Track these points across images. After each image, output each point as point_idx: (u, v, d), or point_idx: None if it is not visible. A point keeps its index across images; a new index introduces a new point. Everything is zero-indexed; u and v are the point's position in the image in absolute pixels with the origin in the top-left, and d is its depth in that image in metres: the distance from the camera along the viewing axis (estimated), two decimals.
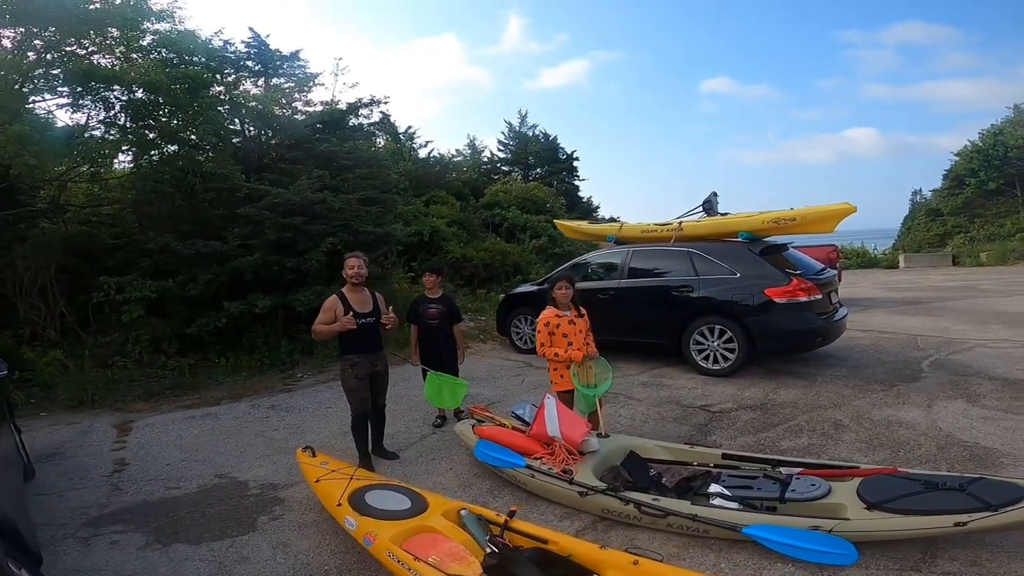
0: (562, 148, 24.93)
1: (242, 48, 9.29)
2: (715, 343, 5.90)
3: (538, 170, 24.43)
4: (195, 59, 7.95)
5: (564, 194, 23.04)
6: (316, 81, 9.48)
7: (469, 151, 22.88)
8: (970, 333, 7.36)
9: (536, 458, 3.50)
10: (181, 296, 7.46)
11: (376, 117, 11.13)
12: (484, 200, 16.72)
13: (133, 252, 7.95)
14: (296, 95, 9.46)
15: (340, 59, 9.98)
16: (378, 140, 15.60)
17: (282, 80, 9.38)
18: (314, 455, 3.66)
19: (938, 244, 22.35)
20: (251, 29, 9.32)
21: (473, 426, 4.06)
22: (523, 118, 25.42)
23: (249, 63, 9.23)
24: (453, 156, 21.37)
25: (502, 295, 8.53)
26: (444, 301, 4.99)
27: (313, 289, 7.29)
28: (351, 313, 3.90)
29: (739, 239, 6.16)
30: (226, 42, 9.05)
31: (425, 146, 18.91)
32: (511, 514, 2.74)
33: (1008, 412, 4.31)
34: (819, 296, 5.59)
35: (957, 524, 2.27)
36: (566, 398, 4.02)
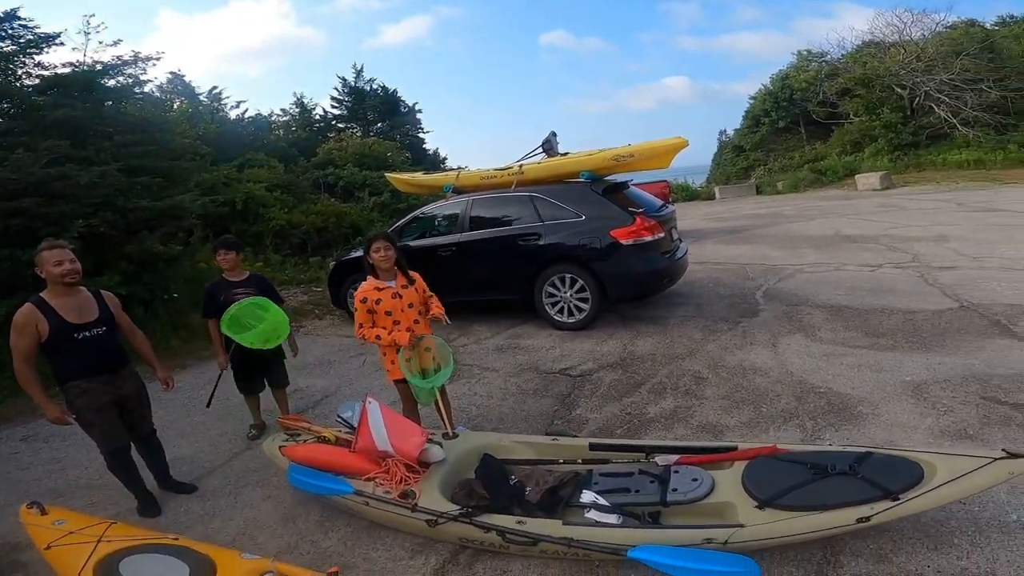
0: (403, 101, 23.48)
1: None
2: (568, 294, 5.53)
3: (379, 125, 22.74)
4: None
5: (409, 148, 21.70)
6: (52, 43, 7.18)
7: (297, 110, 20.31)
8: (788, 259, 7.97)
9: (368, 479, 2.72)
10: None
11: (161, 78, 8.98)
12: (316, 160, 15.05)
13: None
14: (21, 59, 7.11)
15: (91, 16, 7.71)
16: (173, 103, 13.10)
17: (7, 44, 6.95)
18: (44, 512, 2.54)
19: (743, 176, 25.14)
20: None
21: (280, 446, 3.13)
22: (359, 72, 23.42)
23: None
24: (277, 116, 18.86)
25: (332, 263, 7.42)
26: (253, 282, 3.86)
27: None
28: (63, 330, 2.73)
29: (581, 179, 5.76)
30: None
31: (237, 107, 16.33)
32: None
33: (844, 346, 4.46)
34: (662, 234, 5.43)
35: (860, 520, 1.99)
36: (404, 388, 3.27)
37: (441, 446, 2.88)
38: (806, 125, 24.15)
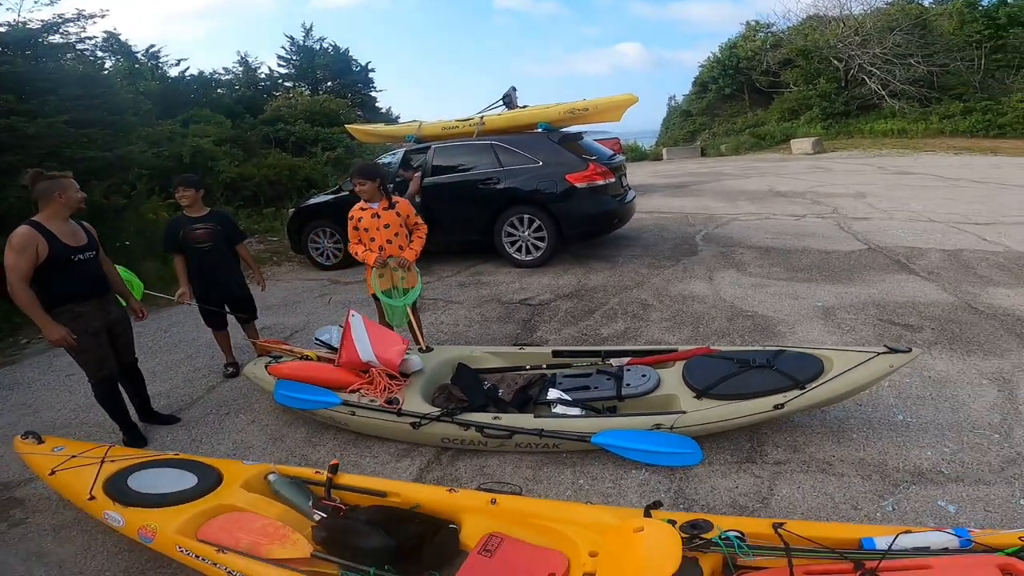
0: (355, 60, 22.72)
1: None
2: (526, 233, 5.90)
3: (329, 83, 22.01)
4: None
5: (361, 106, 21.15)
6: None
7: (241, 68, 19.32)
8: (726, 209, 8.61)
9: (353, 391, 3.00)
10: None
11: (98, 36, 8.49)
12: (264, 116, 14.60)
13: None
14: None
15: None
16: (105, 61, 12.36)
17: None
18: (40, 441, 2.67)
19: (690, 139, 25.99)
20: None
21: (267, 365, 3.37)
22: (307, 32, 22.43)
23: None
24: (219, 75, 17.97)
25: (291, 210, 7.47)
26: (215, 217, 3.88)
27: None
28: (62, 252, 2.84)
29: (538, 129, 6.08)
30: None
31: (177, 64, 15.46)
32: (333, 468, 2.26)
33: (768, 279, 5.04)
34: (613, 180, 5.84)
35: (776, 407, 2.39)
36: (379, 305, 3.58)
37: (420, 358, 3.21)
38: (750, 93, 25.06)
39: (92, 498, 2.24)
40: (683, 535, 1.55)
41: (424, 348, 3.41)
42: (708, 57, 26.50)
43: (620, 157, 6.84)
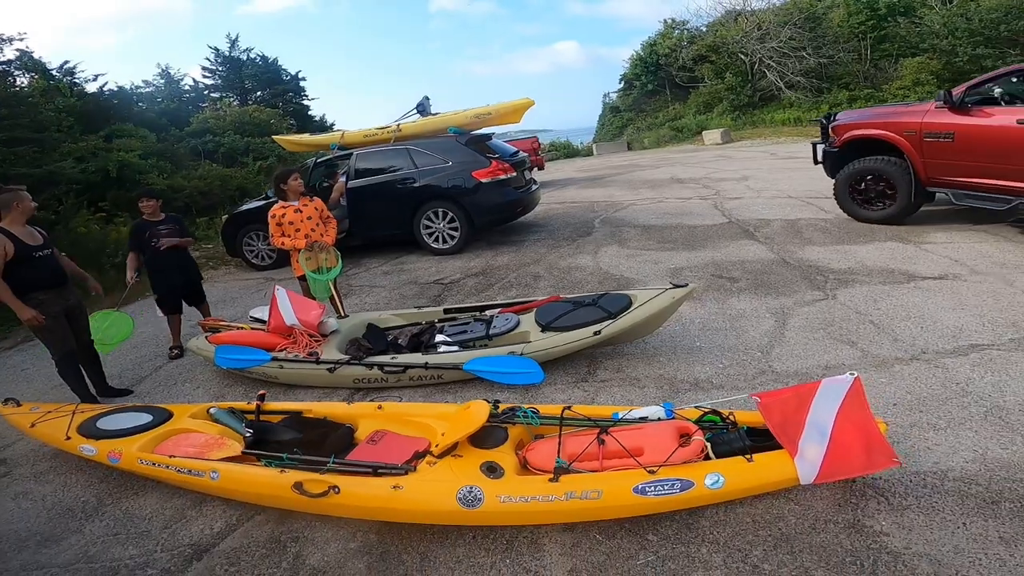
0: (285, 70, 22.84)
1: None
2: (441, 225, 6.70)
3: (258, 93, 22.03)
4: None
5: (293, 115, 21.32)
6: None
7: (163, 81, 19.12)
8: (628, 196, 9.69)
9: (281, 350, 3.72)
10: None
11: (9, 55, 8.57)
12: (191, 129, 14.71)
13: None
14: None
15: None
16: (18, 79, 12.22)
17: None
18: (19, 404, 3.29)
19: (619, 135, 27.50)
20: None
21: (206, 336, 4.03)
22: (233, 42, 22.32)
23: None
24: (138, 87, 17.79)
25: (225, 216, 7.95)
26: (173, 220, 4.65)
27: None
28: (25, 250, 3.42)
29: (449, 133, 6.86)
30: None
31: (94, 80, 15.28)
32: (261, 397, 2.97)
33: (642, 250, 6.03)
34: (515, 174, 6.71)
35: (595, 333, 3.22)
36: (305, 285, 4.28)
37: (338, 323, 3.95)
38: (671, 88, 26.79)
39: (68, 438, 2.88)
40: (495, 411, 2.38)
41: (342, 315, 4.16)
42: (631, 55, 28.09)
43: (523, 154, 7.69)
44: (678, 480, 1.90)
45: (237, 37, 22.56)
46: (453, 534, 2.17)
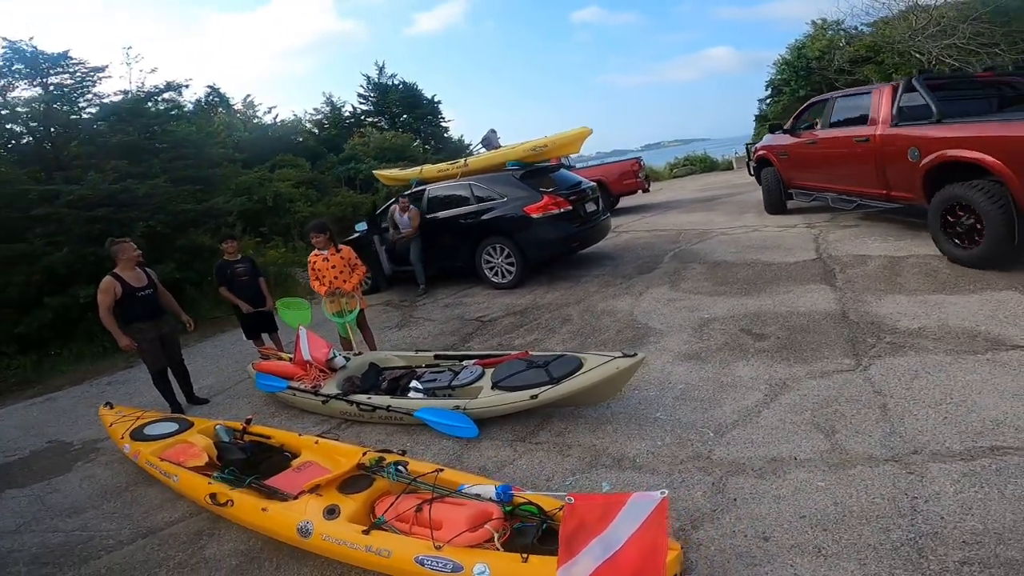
0: (423, 94, 25.10)
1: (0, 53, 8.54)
2: (499, 259, 6.98)
3: (404, 117, 24.54)
4: None
5: (432, 137, 23.34)
6: (102, 75, 9.16)
7: (328, 108, 22.40)
8: (724, 223, 8.95)
9: (297, 380, 4.35)
10: (0, 300, 7.47)
11: (200, 93, 10.89)
12: (342, 155, 16.84)
13: None
14: (75, 94, 9.11)
15: (130, 48, 9.59)
16: (211, 114, 15.34)
17: (65, 78, 8.98)
18: (111, 407, 4.36)
19: None
20: (4, 39, 8.53)
21: (253, 364, 4.84)
22: (381, 69, 25.33)
23: (20, 66, 8.62)
24: (310, 115, 21.03)
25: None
26: (247, 261, 5.68)
27: None
28: (130, 291, 4.52)
29: (508, 167, 7.12)
30: None
31: (269, 112, 18.51)
32: (248, 422, 3.60)
33: (690, 294, 5.60)
34: (569, 208, 6.71)
35: (532, 397, 3.22)
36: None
37: (348, 359, 4.47)
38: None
39: (122, 438, 3.78)
40: (370, 461, 2.63)
41: (356, 353, 4.67)
42: (777, 59, 25.74)
43: (588, 184, 7.62)
44: (451, 561, 2.01)
45: (383, 65, 25.24)
46: (310, 557, 2.55)
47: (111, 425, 4.06)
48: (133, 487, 3.63)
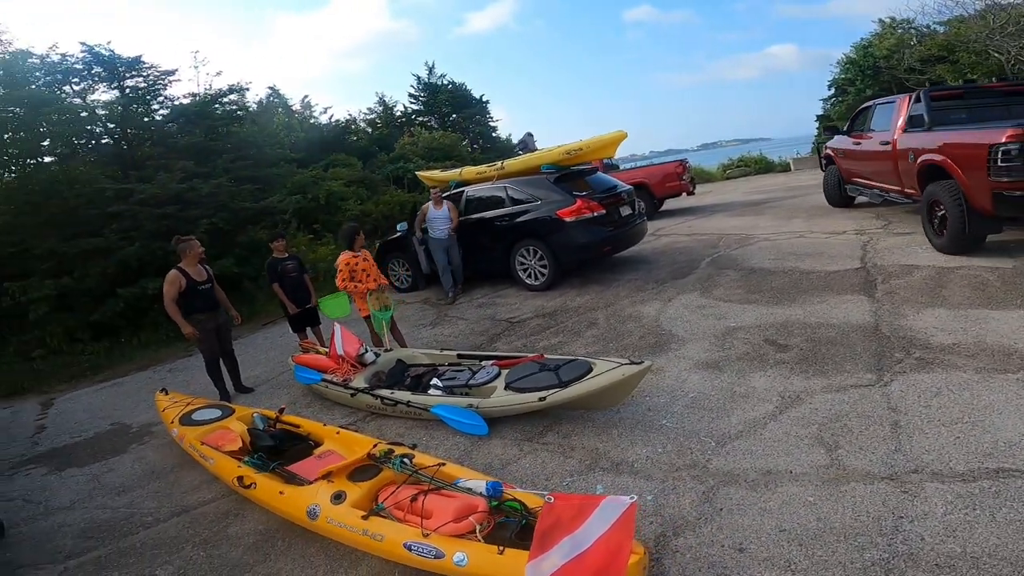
0: (471, 94, 25.50)
1: (80, 57, 9.35)
2: (532, 261, 7.09)
3: (453, 116, 24.99)
4: (35, 75, 8.36)
5: (480, 136, 23.65)
6: (172, 78, 9.94)
7: (380, 108, 23.18)
8: (769, 228, 8.69)
9: (331, 373, 4.64)
10: (79, 290, 8.26)
11: (258, 96, 11.59)
12: (393, 155, 17.38)
13: (29, 258, 8.62)
14: (148, 96, 9.90)
15: (197, 52, 10.33)
16: (272, 115, 16.18)
17: (139, 81, 9.77)
18: (166, 393, 4.79)
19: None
20: (82, 44, 9.37)
21: (293, 357, 5.19)
22: (431, 69, 25.87)
23: (99, 70, 9.48)
24: (364, 114, 21.81)
25: (378, 244, 9.42)
26: (294, 258, 6.04)
27: None
28: (193, 284, 4.96)
29: (543, 171, 7.21)
30: (63, 56, 9.27)
31: (325, 112, 19.31)
32: (281, 411, 3.91)
33: (720, 301, 5.52)
34: (603, 212, 6.73)
35: (540, 399, 3.34)
36: (370, 323, 5.23)
37: (377, 355, 4.73)
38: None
39: (172, 423, 4.16)
40: (380, 452, 2.83)
41: (386, 349, 4.93)
42: (840, 58, 24.60)
43: (625, 187, 7.60)
44: (435, 548, 2.18)
45: (433, 65, 25.77)
46: (317, 538, 2.78)
47: (164, 410, 4.47)
48: (177, 469, 4.01)
